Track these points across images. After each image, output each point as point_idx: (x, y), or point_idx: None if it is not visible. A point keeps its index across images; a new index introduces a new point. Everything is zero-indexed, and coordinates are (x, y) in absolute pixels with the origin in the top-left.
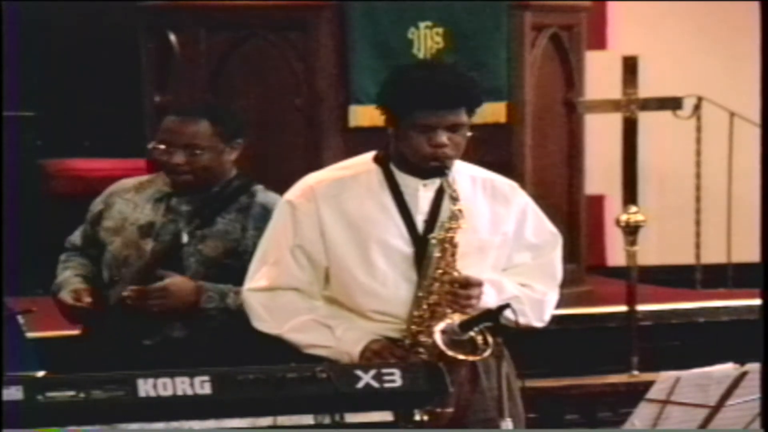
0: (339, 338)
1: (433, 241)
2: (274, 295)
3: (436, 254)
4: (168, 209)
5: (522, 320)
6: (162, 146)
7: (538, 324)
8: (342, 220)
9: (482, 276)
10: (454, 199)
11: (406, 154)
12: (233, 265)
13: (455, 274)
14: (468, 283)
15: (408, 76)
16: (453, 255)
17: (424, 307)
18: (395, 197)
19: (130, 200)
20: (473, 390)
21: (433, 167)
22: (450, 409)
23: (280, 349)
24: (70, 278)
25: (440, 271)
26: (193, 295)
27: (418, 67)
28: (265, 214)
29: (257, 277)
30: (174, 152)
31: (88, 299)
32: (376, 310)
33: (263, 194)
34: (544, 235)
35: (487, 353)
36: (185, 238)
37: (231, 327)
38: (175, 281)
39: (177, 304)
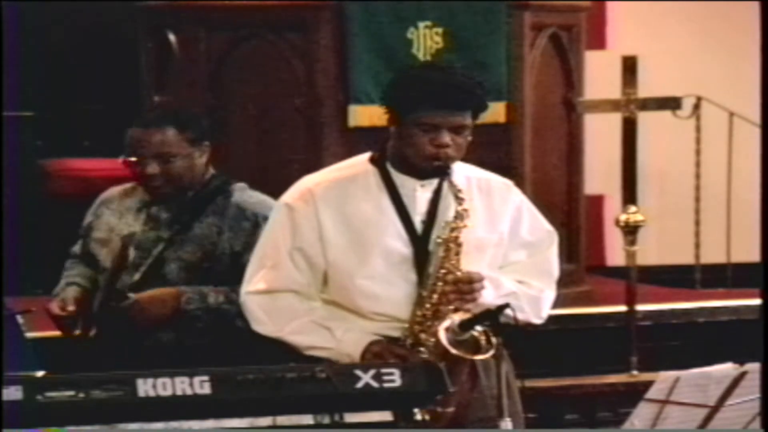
0: (339, 340)
1: (438, 241)
2: (273, 297)
3: (441, 254)
4: (148, 218)
5: (520, 316)
6: (133, 158)
7: (537, 320)
8: (340, 223)
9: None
10: (460, 199)
11: (406, 154)
12: (212, 268)
13: (458, 273)
14: (470, 280)
15: (418, 75)
16: (457, 254)
17: (427, 306)
18: (393, 198)
19: (116, 210)
20: (473, 389)
21: (435, 167)
22: (451, 409)
23: (273, 348)
24: (64, 288)
25: (444, 270)
26: (172, 300)
27: (427, 68)
28: (240, 214)
29: (255, 280)
30: (147, 163)
31: (71, 308)
32: (375, 312)
33: (239, 193)
34: (540, 232)
35: (490, 353)
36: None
37: (221, 327)
38: (148, 294)
39: (158, 313)
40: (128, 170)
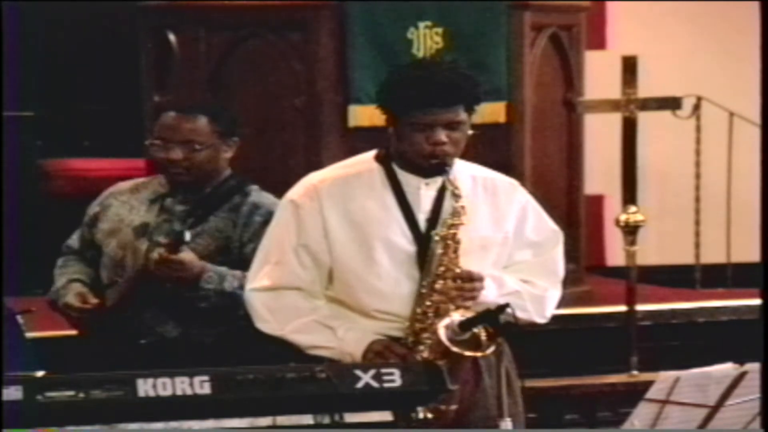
0: (341, 339)
1: (436, 238)
2: (277, 295)
3: (439, 251)
4: (162, 210)
5: (523, 315)
6: (159, 142)
7: (540, 320)
8: (345, 219)
9: (483, 273)
10: (456, 196)
11: (406, 153)
12: (224, 261)
13: (457, 270)
14: (470, 278)
15: (404, 75)
16: (455, 251)
17: (427, 304)
18: (397, 196)
19: (126, 202)
20: (476, 388)
21: (434, 165)
22: (454, 407)
23: (276, 345)
24: (69, 284)
25: (443, 267)
26: (197, 273)
27: (414, 67)
28: (255, 210)
29: (259, 276)
30: (172, 148)
31: (94, 300)
32: (379, 309)
33: (257, 194)
34: (545, 232)
35: (490, 350)
36: (188, 237)
37: (225, 325)
38: (191, 256)
39: (181, 278)
40: (152, 154)
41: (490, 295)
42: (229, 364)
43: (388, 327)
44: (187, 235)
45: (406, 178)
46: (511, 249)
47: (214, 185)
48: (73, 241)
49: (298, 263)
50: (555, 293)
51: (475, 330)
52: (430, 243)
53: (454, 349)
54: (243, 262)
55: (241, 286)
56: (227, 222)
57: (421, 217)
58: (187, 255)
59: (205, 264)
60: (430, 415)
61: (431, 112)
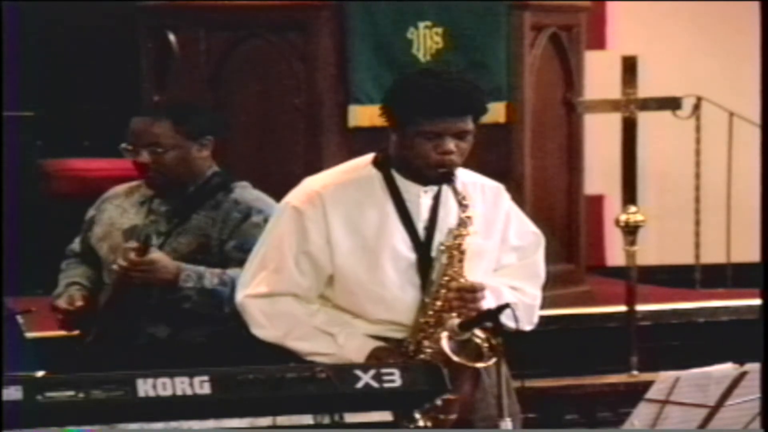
0: (341, 346)
1: (442, 248)
2: (273, 301)
3: (444, 261)
4: (150, 211)
5: (515, 326)
6: (130, 147)
7: (528, 327)
8: (348, 227)
9: (478, 280)
10: (464, 206)
11: (410, 160)
12: (204, 260)
13: (462, 280)
14: (473, 289)
15: (415, 82)
16: (460, 261)
17: (430, 313)
18: (397, 204)
19: (119, 206)
20: (476, 389)
21: (441, 174)
22: (453, 416)
23: (270, 346)
24: (67, 288)
25: (447, 277)
26: (174, 273)
27: (427, 74)
28: (234, 207)
29: (255, 283)
30: (139, 152)
31: (80, 303)
32: (383, 318)
33: (240, 191)
34: (528, 236)
35: (492, 361)
36: (154, 240)
37: (214, 325)
38: (162, 257)
39: (158, 280)
40: (126, 159)
41: (489, 306)
42: (220, 365)
43: (388, 329)
44: (153, 239)
45: (406, 185)
46: (499, 254)
47: (198, 184)
48: (75, 245)
49: (298, 271)
50: (540, 298)
51: (477, 339)
52: (430, 251)
53: (456, 359)
54: (223, 260)
55: (222, 283)
56: (207, 220)
57: (420, 225)
58: (156, 254)
59: (180, 264)
60: (429, 424)
61: (442, 120)
